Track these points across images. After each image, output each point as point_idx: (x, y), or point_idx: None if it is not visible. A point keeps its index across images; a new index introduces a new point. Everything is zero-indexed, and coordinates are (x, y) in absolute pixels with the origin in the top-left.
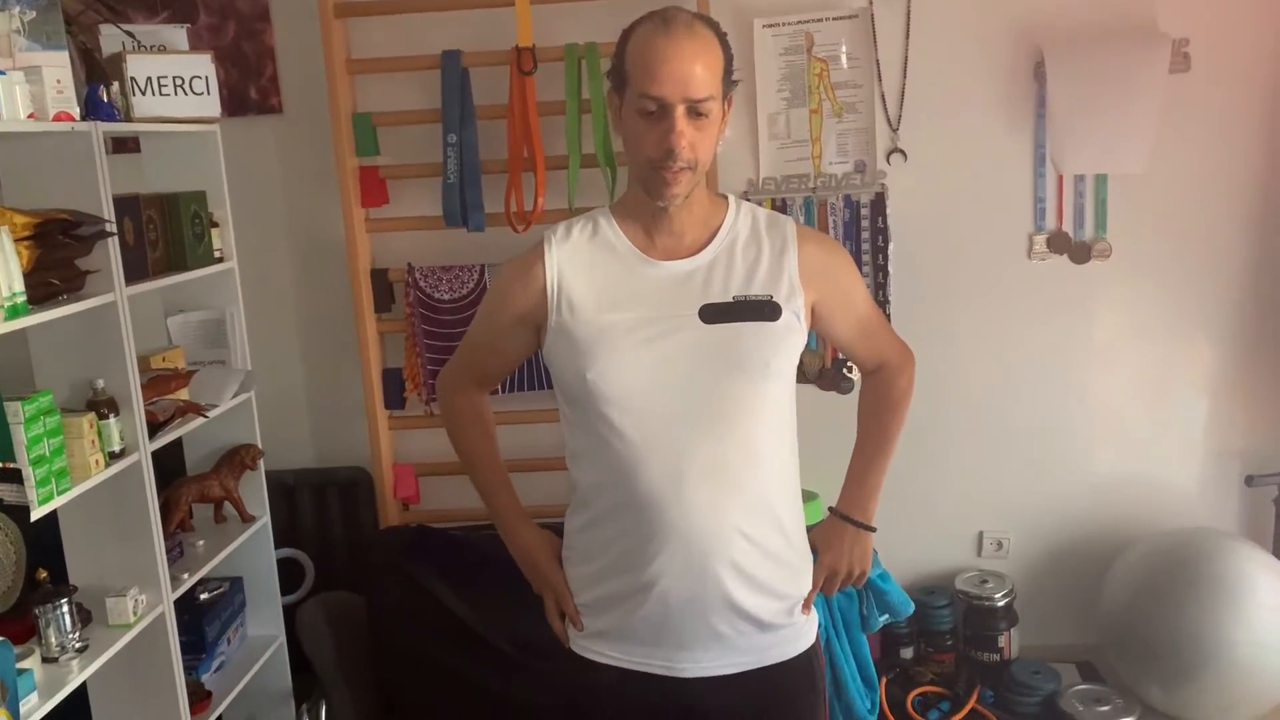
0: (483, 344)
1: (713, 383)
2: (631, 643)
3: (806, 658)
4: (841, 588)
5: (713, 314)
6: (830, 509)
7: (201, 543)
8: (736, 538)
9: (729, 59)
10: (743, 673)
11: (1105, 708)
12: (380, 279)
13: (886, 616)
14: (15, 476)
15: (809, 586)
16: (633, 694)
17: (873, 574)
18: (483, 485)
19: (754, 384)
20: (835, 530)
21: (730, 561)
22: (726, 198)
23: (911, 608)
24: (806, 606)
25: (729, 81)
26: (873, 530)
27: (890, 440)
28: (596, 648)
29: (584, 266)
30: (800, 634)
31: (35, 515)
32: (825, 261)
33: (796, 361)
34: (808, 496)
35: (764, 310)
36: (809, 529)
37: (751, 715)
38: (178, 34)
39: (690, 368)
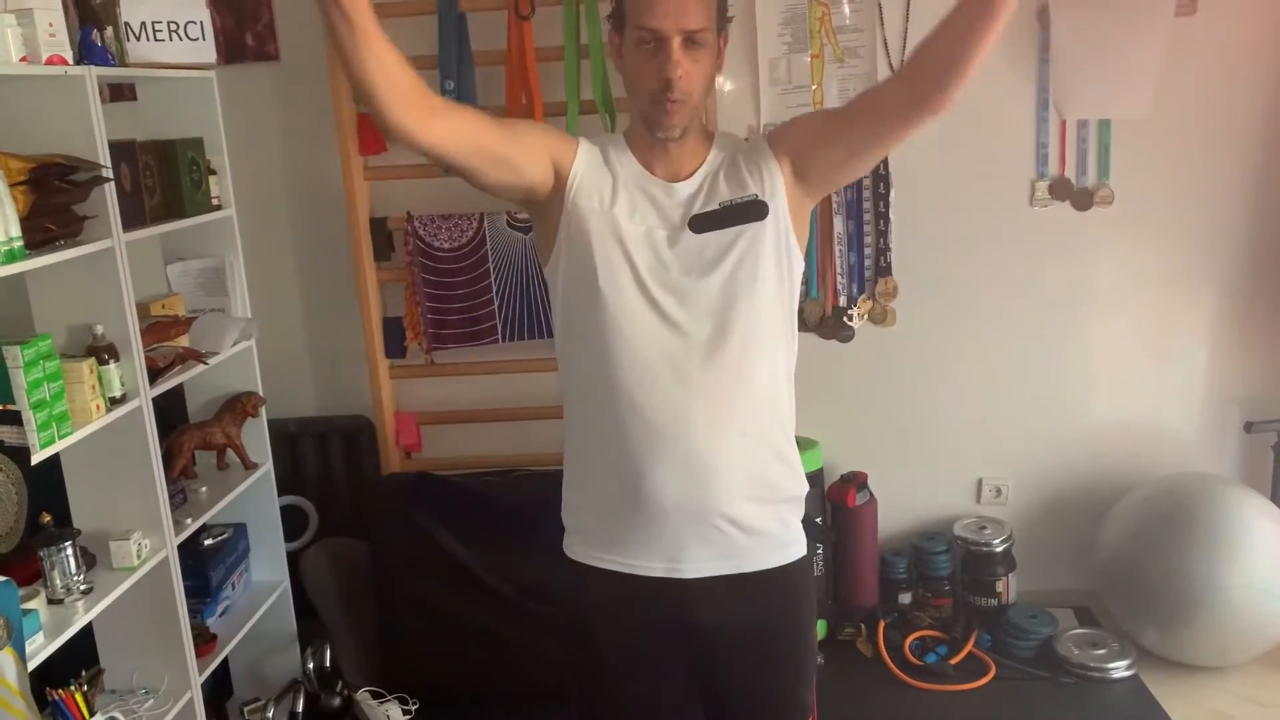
0: (498, 127)
1: (704, 287)
2: (631, 546)
3: (800, 566)
4: None
5: (702, 223)
6: None
7: (204, 489)
8: (734, 437)
9: None
10: (740, 574)
11: (1101, 651)
12: (379, 228)
13: None
14: (15, 419)
15: (804, 488)
16: (631, 598)
17: None
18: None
19: (747, 284)
20: None
21: (728, 461)
22: (712, 132)
23: None
24: None
25: (724, 18)
26: None
27: None
28: (594, 553)
29: (602, 170)
30: (795, 539)
31: (36, 458)
32: (783, 126)
33: (793, 260)
34: (808, 444)
35: (750, 210)
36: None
37: (749, 617)
38: None
39: (684, 276)
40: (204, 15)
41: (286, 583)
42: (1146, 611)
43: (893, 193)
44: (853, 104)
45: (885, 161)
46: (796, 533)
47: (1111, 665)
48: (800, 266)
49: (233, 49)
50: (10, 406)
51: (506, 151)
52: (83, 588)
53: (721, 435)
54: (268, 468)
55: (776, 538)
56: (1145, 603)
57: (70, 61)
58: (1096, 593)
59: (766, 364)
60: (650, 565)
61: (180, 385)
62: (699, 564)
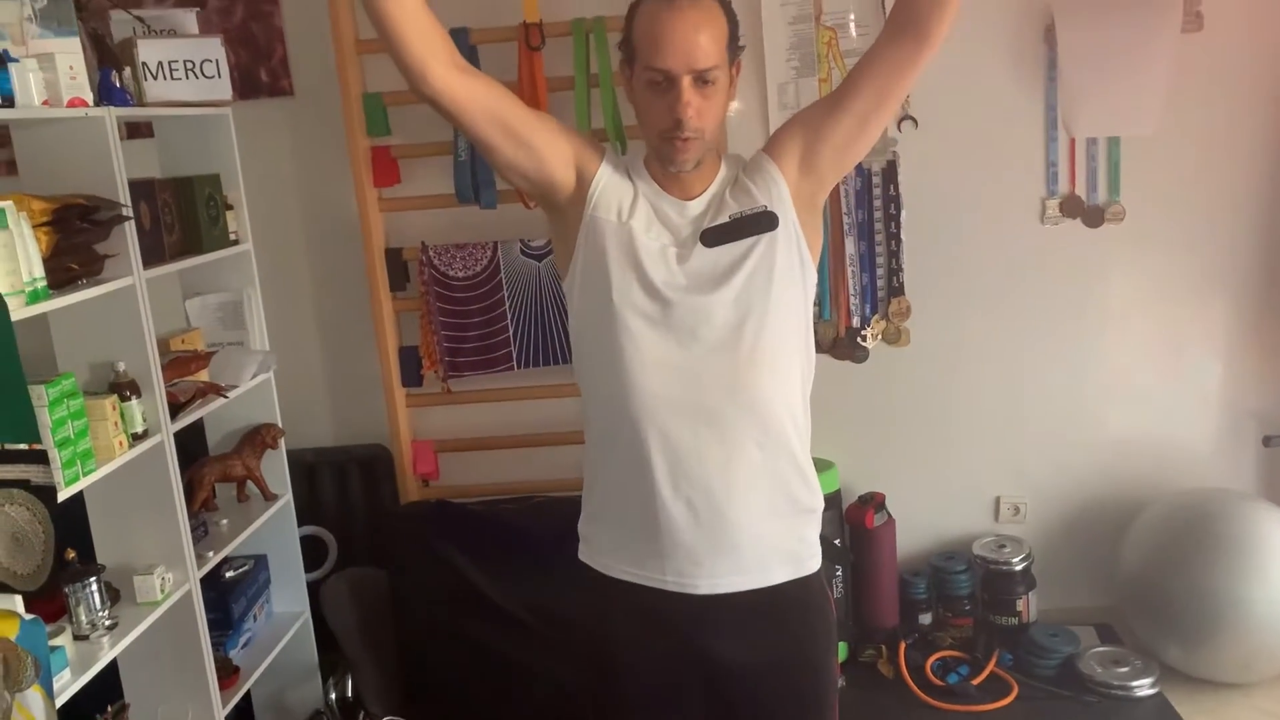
0: (525, 108)
1: (718, 300)
2: (647, 559)
3: (815, 580)
4: None
5: (713, 237)
6: None
7: (225, 522)
8: (751, 449)
9: (734, 26)
10: (755, 590)
11: (1125, 669)
12: (395, 258)
13: None
14: (42, 458)
15: (820, 503)
16: (649, 616)
17: None
18: None
19: (761, 295)
20: None
21: (744, 474)
22: (720, 153)
23: None
24: None
25: (734, 49)
26: None
27: None
28: (611, 562)
29: (623, 183)
30: (811, 554)
31: (62, 496)
32: (776, 134)
33: (806, 272)
34: (824, 465)
35: (761, 221)
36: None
37: (768, 645)
38: (187, 18)
39: (698, 290)
40: (219, 54)
41: (307, 613)
42: (1169, 628)
43: (904, 213)
44: (848, 78)
45: (896, 182)
46: (813, 548)
47: (1135, 683)
48: (814, 278)
49: (247, 85)
50: (36, 446)
51: (528, 133)
52: (108, 623)
53: (738, 448)
54: (287, 499)
55: (793, 552)
56: (1167, 620)
57: (90, 103)
58: (1118, 610)
59: (783, 375)
60: (664, 579)
61: (200, 418)
62: (715, 579)
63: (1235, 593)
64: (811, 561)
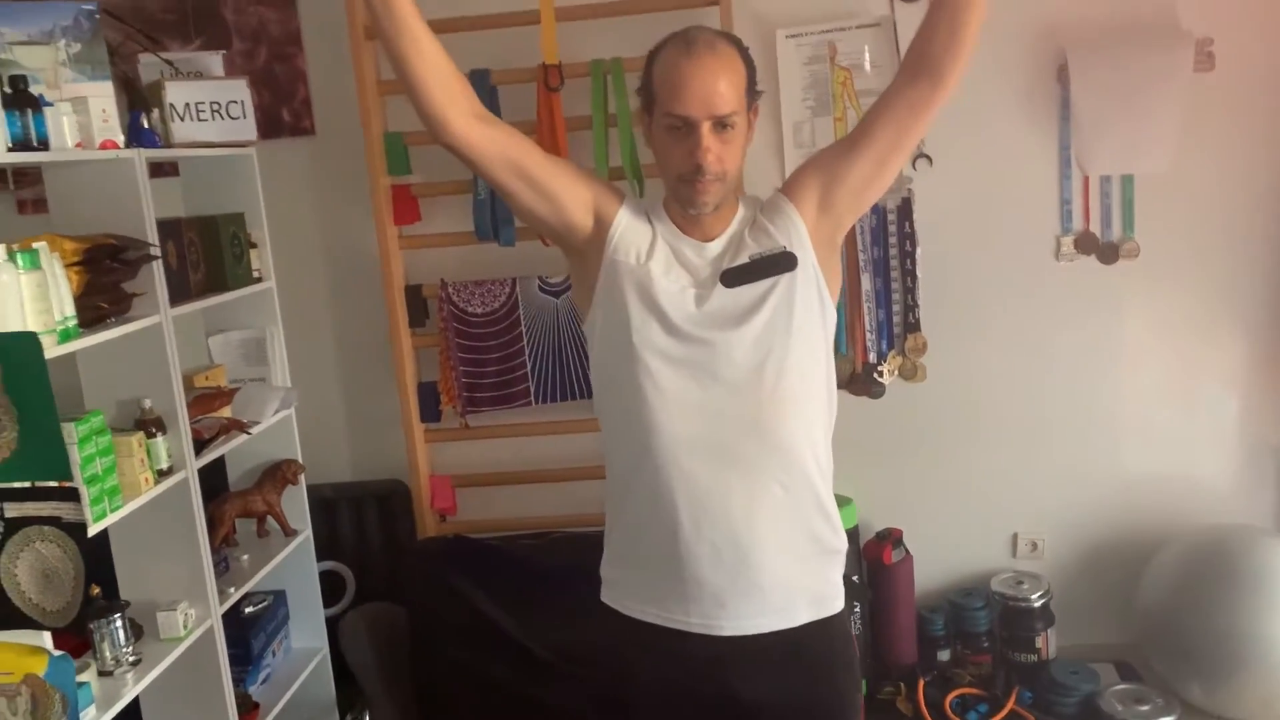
0: (544, 155)
1: (737, 339)
2: (670, 601)
3: (839, 621)
4: None
5: (733, 277)
6: None
7: (245, 557)
8: (775, 488)
9: (752, 72)
10: (778, 632)
11: (1145, 707)
12: (414, 294)
13: None
14: (72, 495)
15: (844, 543)
16: (672, 658)
17: None
18: None
19: (782, 335)
20: None
21: (768, 515)
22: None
23: None
24: None
25: (753, 94)
26: None
27: None
28: (633, 604)
29: (643, 226)
30: (834, 594)
31: (92, 532)
32: (794, 176)
33: (826, 311)
34: (842, 501)
35: (780, 261)
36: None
37: (791, 686)
38: (214, 60)
39: (718, 330)
40: (245, 95)
41: (326, 649)
42: (1190, 666)
43: (919, 250)
44: (864, 120)
45: (911, 219)
46: (837, 588)
47: None
48: (834, 317)
49: (270, 124)
50: (66, 484)
51: (546, 179)
52: (131, 659)
53: (761, 488)
54: (307, 534)
55: (817, 593)
56: (1188, 657)
57: (121, 145)
58: (1138, 647)
59: (805, 414)
60: (689, 620)
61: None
62: (739, 621)
63: (1257, 629)
64: (835, 602)
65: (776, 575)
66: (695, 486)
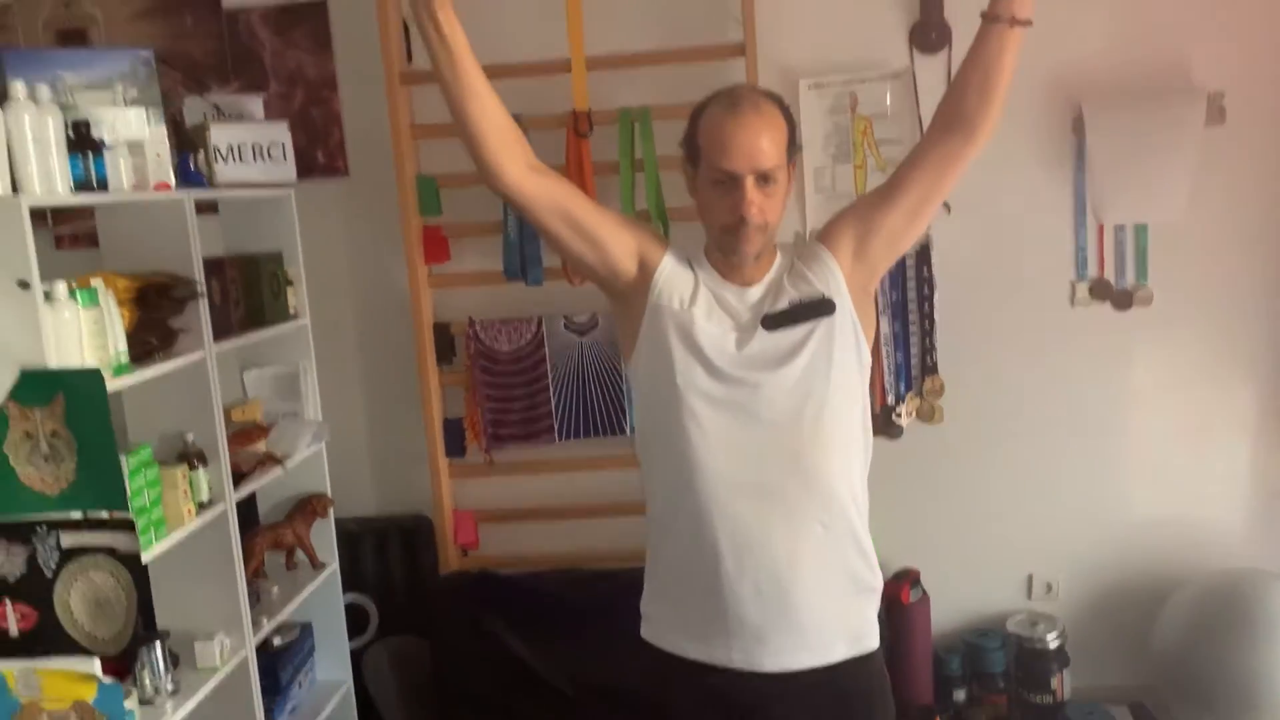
0: (591, 204)
1: (778, 381)
2: (710, 638)
3: (875, 658)
4: None
5: (774, 322)
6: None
7: (275, 589)
8: (815, 527)
9: (792, 129)
10: (815, 669)
11: None
12: (442, 332)
13: None
14: (125, 525)
15: (880, 581)
16: (711, 695)
17: None
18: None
19: (822, 377)
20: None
21: (809, 555)
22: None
23: None
24: None
25: (793, 149)
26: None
27: None
28: (673, 639)
29: (686, 273)
30: (870, 631)
31: (145, 560)
32: (831, 224)
33: (862, 354)
34: None
35: (820, 307)
36: None
37: (827, 708)
38: (254, 103)
39: (759, 372)
40: (286, 137)
41: (350, 682)
42: (1205, 709)
43: (937, 294)
44: (897, 172)
45: (929, 264)
46: (872, 625)
47: None
48: (869, 360)
49: (304, 165)
50: (117, 514)
51: (593, 227)
52: (170, 688)
53: (803, 526)
54: (334, 567)
55: (854, 630)
56: (1203, 700)
57: (173, 186)
58: (1153, 689)
59: (844, 454)
60: (731, 657)
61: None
62: (779, 657)
63: (1270, 672)
64: (871, 639)
65: (816, 613)
66: (738, 525)
